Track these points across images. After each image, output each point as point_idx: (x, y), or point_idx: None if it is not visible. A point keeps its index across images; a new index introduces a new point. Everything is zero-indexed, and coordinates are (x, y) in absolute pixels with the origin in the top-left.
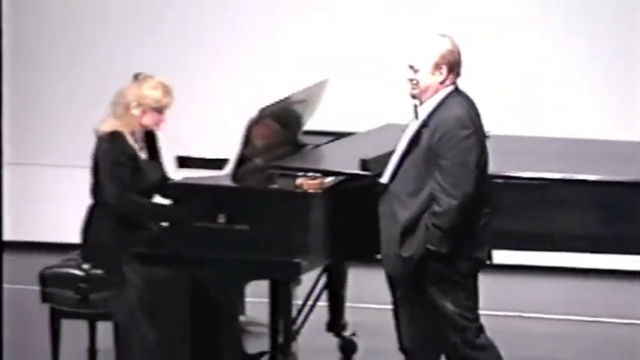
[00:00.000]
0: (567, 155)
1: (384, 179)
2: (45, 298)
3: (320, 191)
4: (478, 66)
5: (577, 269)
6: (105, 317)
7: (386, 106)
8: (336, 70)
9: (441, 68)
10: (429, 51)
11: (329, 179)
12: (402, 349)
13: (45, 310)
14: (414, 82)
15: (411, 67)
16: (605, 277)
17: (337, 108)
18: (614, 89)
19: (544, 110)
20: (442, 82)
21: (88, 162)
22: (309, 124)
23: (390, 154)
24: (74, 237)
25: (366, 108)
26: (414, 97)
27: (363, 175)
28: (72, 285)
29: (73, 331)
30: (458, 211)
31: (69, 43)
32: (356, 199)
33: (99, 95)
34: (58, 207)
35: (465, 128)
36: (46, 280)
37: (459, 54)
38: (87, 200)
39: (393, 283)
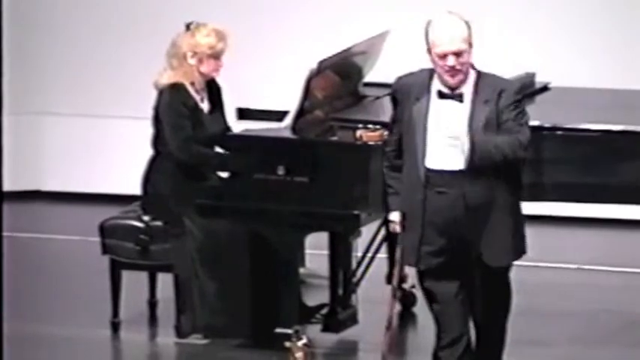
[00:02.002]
0: (624, 106)
1: (460, 166)
2: (105, 249)
3: (380, 143)
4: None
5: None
6: (165, 269)
7: None
8: (398, 20)
9: (472, 46)
10: (466, 31)
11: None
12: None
13: (105, 261)
14: (460, 65)
15: (457, 51)
16: None
17: (398, 59)
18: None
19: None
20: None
21: (148, 113)
22: (370, 76)
23: None
24: (134, 188)
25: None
26: (460, 81)
27: None
28: (132, 237)
29: (134, 282)
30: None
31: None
32: None
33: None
34: (118, 158)
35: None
36: (106, 231)
37: None
38: (148, 152)
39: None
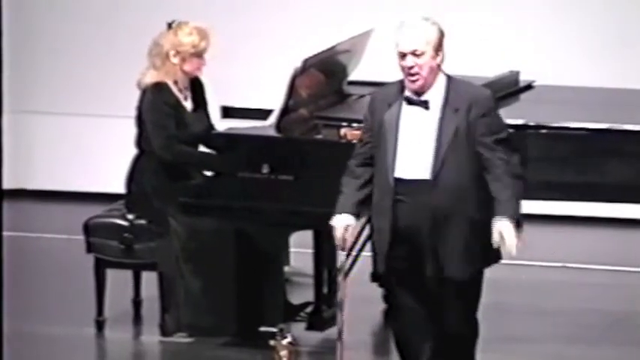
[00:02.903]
0: (610, 105)
1: (427, 175)
2: (90, 248)
3: None
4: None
5: (621, 219)
6: (149, 267)
7: None
8: (382, 19)
9: (439, 50)
10: (430, 35)
11: None
12: None
13: (90, 260)
14: (415, 68)
15: (414, 52)
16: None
17: (382, 57)
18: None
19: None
20: (439, 65)
21: (132, 113)
22: (354, 74)
23: None
24: (118, 187)
25: None
26: (420, 87)
27: None
28: (116, 235)
29: (118, 281)
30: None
31: None
32: None
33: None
34: (102, 157)
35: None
36: (90, 230)
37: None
38: (132, 151)
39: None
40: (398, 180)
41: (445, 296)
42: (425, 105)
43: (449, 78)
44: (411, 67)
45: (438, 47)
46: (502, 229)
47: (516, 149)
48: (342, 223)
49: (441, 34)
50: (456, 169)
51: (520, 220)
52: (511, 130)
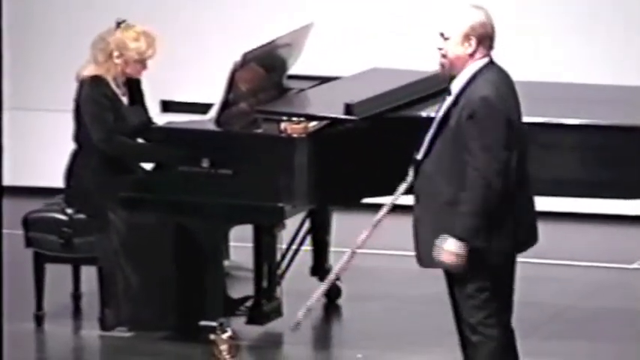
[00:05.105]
0: (553, 99)
1: (419, 155)
2: (29, 242)
3: (304, 136)
4: None
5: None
6: (89, 262)
7: (372, 49)
8: (322, 12)
9: (470, 39)
10: (459, 20)
11: (313, 124)
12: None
13: (29, 254)
14: (443, 50)
15: (442, 34)
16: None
17: (322, 52)
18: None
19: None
20: (472, 55)
21: (71, 106)
22: (294, 69)
23: (375, 98)
24: (58, 181)
25: (352, 51)
26: (442, 66)
27: (347, 120)
28: (55, 229)
29: (57, 275)
30: (488, 194)
31: None
32: (341, 143)
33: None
34: (40, 151)
35: (491, 109)
36: (29, 224)
37: (492, 27)
38: (70, 145)
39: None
40: (414, 159)
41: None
42: (449, 92)
43: (479, 71)
44: (440, 49)
45: (469, 36)
46: (441, 245)
47: (498, 158)
48: None
49: (480, 25)
50: (437, 161)
51: (471, 235)
52: None
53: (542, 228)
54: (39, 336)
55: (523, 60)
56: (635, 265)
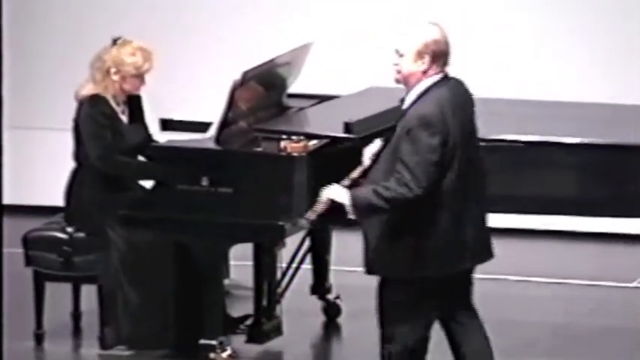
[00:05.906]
0: (548, 118)
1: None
2: (28, 261)
3: (304, 154)
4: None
5: (571, 232)
6: (89, 280)
7: (370, 69)
8: (321, 32)
9: (423, 57)
10: (413, 38)
11: (313, 142)
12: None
13: (29, 273)
14: (398, 67)
15: (397, 51)
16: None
17: (321, 71)
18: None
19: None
20: (425, 72)
21: (70, 124)
22: (294, 87)
23: (374, 117)
24: (58, 200)
25: (351, 71)
26: (397, 82)
27: (347, 138)
28: (55, 248)
29: (57, 294)
30: (404, 200)
31: (66, 5)
32: (340, 162)
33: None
34: (40, 169)
35: (427, 128)
36: (29, 243)
37: (446, 44)
38: (70, 163)
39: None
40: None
41: None
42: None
43: (431, 87)
44: (395, 65)
45: (422, 53)
46: (333, 189)
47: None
48: None
49: (434, 42)
50: (380, 169)
51: (358, 203)
52: None
53: (542, 247)
54: (38, 354)
55: (521, 78)
56: (635, 284)
